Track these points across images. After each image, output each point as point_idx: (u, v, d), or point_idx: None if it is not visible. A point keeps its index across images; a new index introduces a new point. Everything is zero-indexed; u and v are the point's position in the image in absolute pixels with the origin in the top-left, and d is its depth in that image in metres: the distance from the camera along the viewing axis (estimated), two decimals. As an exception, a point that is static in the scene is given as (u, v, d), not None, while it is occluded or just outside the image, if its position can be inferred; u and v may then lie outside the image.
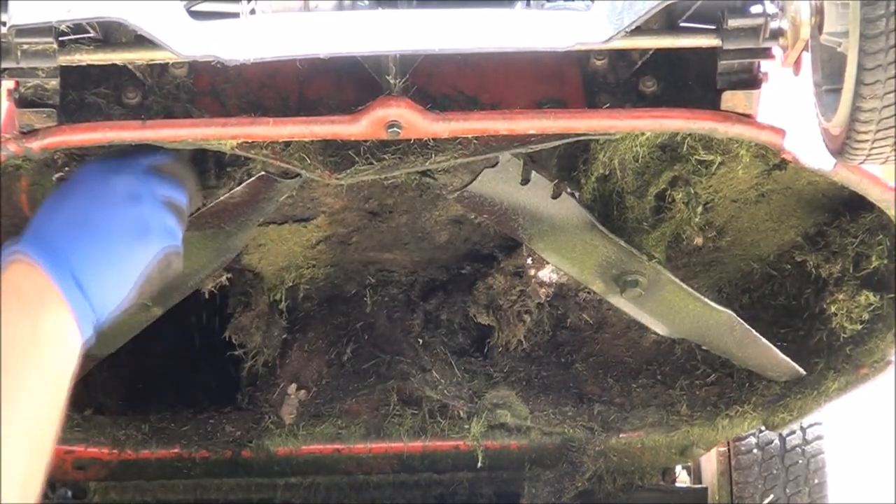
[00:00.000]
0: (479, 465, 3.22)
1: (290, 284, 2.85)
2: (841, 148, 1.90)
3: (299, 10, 2.05)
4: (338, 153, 2.19)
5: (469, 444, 3.21)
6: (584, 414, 3.09)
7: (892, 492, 5.15)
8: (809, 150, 2.12)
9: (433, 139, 2.16)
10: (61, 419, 1.67)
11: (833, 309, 2.69)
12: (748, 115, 2.08)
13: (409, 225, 2.73)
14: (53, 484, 3.80)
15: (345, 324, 3.02)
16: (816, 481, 3.85)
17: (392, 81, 2.04)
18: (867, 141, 1.84)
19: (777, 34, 1.93)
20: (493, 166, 2.33)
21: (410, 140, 2.16)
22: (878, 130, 1.81)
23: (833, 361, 2.78)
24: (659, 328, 2.76)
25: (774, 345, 2.76)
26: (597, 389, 3.10)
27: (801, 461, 3.84)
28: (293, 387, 3.00)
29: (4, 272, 1.70)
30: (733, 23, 1.94)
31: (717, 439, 3.34)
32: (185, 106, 2.13)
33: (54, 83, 1.98)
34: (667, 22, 2.01)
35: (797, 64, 1.94)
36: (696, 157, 2.45)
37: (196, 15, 1.91)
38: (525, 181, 2.38)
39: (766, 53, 1.99)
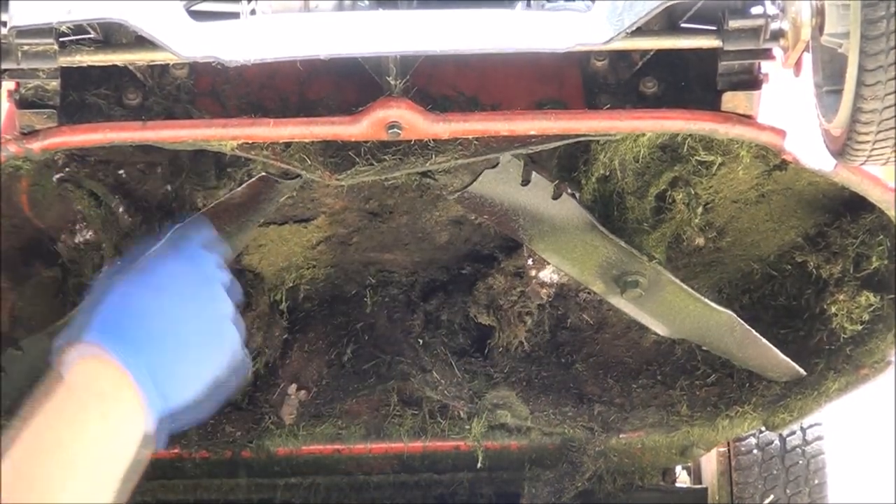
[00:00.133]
0: (480, 465, 3.22)
1: (291, 285, 2.85)
2: (842, 149, 1.90)
3: (299, 11, 2.05)
4: (338, 154, 2.19)
5: (469, 445, 3.21)
6: (584, 414, 3.08)
7: (892, 492, 5.14)
8: (810, 151, 2.12)
9: (434, 140, 2.16)
10: None
11: (833, 309, 2.69)
12: (749, 116, 2.08)
13: (409, 225, 2.73)
14: (53, 484, 3.80)
15: (345, 324, 3.02)
16: (816, 482, 3.85)
17: (392, 82, 2.04)
18: (868, 142, 1.84)
19: (778, 35, 1.93)
20: (494, 167, 2.33)
21: (411, 141, 2.16)
22: (879, 131, 1.81)
23: (833, 362, 2.78)
24: (659, 329, 2.76)
25: (775, 345, 2.75)
26: (597, 390, 3.09)
27: (801, 461, 3.84)
28: (293, 387, 3.00)
29: (78, 364, 1.66)
30: (734, 24, 1.94)
31: (718, 440, 3.34)
32: (185, 107, 2.13)
33: (55, 84, 1.98)
34: (667, 23, 2.01)
35: (798, 65, 1.94)
36: (697, 157, 2.45)
37: (196, 15, 1.91)
38: (525, 182, 2.38)
39: (766, 54, 1.98)
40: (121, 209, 2.48)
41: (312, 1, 2.06)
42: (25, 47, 1.89)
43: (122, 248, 2.50)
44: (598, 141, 2.34)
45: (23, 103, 2.01)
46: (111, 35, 1.98)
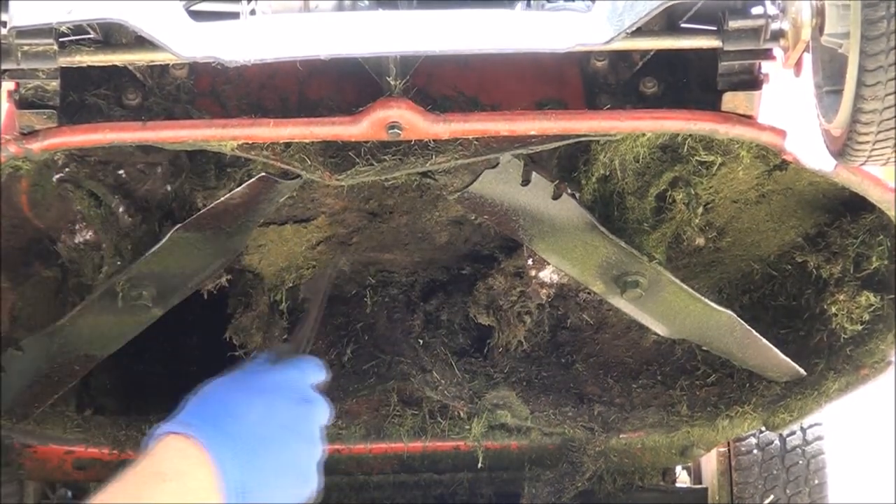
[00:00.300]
0: (480, 465, 3.22)
1: (291, 285, 2.85)
2: (842, 149, 1.90)
3: (299, 11, 2.05)
4: (338, 154, 2.19)
5: (469, 445, 3.21)
6: (584, 414, 3.08)
7: (892, 492, 5.15)
8: (810, 151, 2.12)
9: (434, 140, 2.15)
10: None
11: (833, 309, 2.69)
12: (749, 117, 2.08)
13: (409, 225, 2.73)
14: (53, 484, 3.81)
15: (345, 324, 3.02)
16: (817, 482, 3.85)
17: (392, 82, 2.04)
18: (868, 142, 1.84)
19: (778, 35, 1.93)
20: (494, 167, 2.33)
21: (411, 141, 2.16)
22: (879, 132, 1.81)
23: (833, 362, 2.78)
24: (659, 329, 2.75)
25: (775, 345, 2.75)
26: (597, 390, 3.09)
27: (801, 462, 3.83)
28: (293, 387, 2.99)
29: (166, 440, 1.67)
30: (734, 24, 1.94)
31: (718, 440, 3.34)
32: (185, 107, 2.13)
33: (55, 84, 1.98)
34: (667, 23, 2.01)
35: (798, 65, 1.94)
36: (697, 157, 2.45)
37: (196, 15, 1.91)
38: (525, 182, 2.38)
39: (766, 54, 1.98)
40: (121, 209, 2.48)
41: (312, 1, 2.06)
42: (25, 47, 1.89)
43: (122, 248, 2.50)
44: (598, 141, 2.34)
45: (23, 103, 2.01)
46: (111, 35, 1.98)
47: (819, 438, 3.87)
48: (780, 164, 2.49)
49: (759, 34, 1.94)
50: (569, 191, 2.44)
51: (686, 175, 2.49)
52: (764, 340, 2.74)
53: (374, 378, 3.03)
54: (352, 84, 2.18)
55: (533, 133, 2.11)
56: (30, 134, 2.03)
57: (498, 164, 2.33)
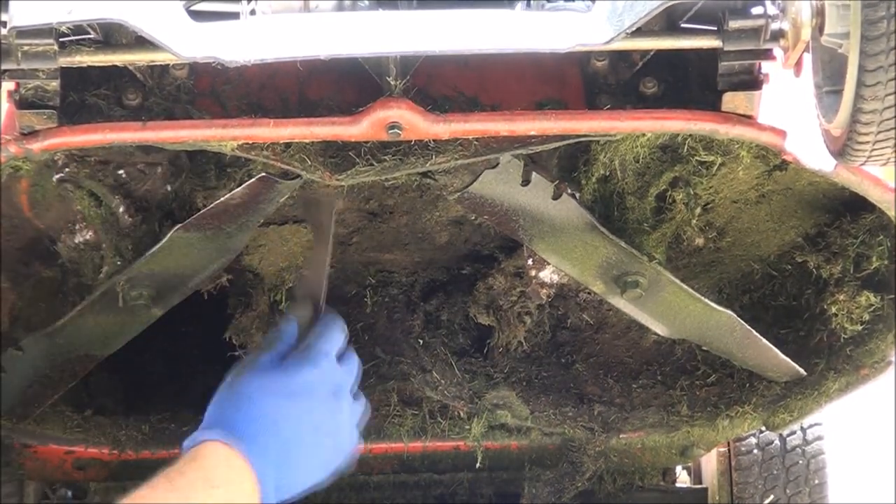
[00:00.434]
0: (480, 465, 3.22)
1: (291, 285, 2.85)
2: (842, 149, 1.90)
3: (299, 11, 2.05)
4: (338, 154, 2.19)
5: (469, 445, 3.20)
6: (584, 414, 3.08)
7: (892, 492, 5.15)
8: (810, 152, 2.12)
9: (434, 140, 2.15)
10: None
11: (833, 309, 2.69)
12: (749, 117, 2.08)
13: (409, 226, 2.73)
14: (53, 484, 3.81)
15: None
16: (817, 482, 3.85)
17: (392, 83, 2.04)
18: (868, 142, 1.84)
19: (778, 35, 1.93)
20: (494, 167, 2.33)
21: (411, 141, 2.16)
22: (879, 132, 1.81)
23: (833, 362, 2.78)
24: (659, 329, 2.75)
25: (775, 345, 2.75)
26: (597, 390, 3.09)
27: (801, 461, 3.83)
28: (293, 387, 2.99)
29: (206, 446, 1.75)
30: (734, 24, 1.94)
31: (718, 440, 3.34)
32: (185, 107, 2.13)
33: (55, 84, 1.98)
34: (667, 23, 2.01)
35: (798, 65, 1.94)
36: (697, 157, 2.45)
37: (196, 15, 1.91)
38: (525, 182, 2.38)
39: (766, 55, 1.98)
40: (121, 209, 2.48)
41: (312, 1, 2.06)
42: (25, 47, 1.89)
43: (122, 248, 2.50)
44: (598, 141, 2.34)
45: (23, 104, 2.01)
46: (111, 35, 1.98)
47: (819, 438, 3.87)
48: (780, 164, 2.49)
49: (759, 34, 1.94)
50: (569, 191, 2.44)
51: (686, 175, 2.49)
52: (764, 340, 2.74)
53: (375, 378, 3.03)
54: (352, 84, 2.18)
55: (533, 133, 2.11)
56: (30, 134, 2.03)
57: (498, 164, 2.33)
